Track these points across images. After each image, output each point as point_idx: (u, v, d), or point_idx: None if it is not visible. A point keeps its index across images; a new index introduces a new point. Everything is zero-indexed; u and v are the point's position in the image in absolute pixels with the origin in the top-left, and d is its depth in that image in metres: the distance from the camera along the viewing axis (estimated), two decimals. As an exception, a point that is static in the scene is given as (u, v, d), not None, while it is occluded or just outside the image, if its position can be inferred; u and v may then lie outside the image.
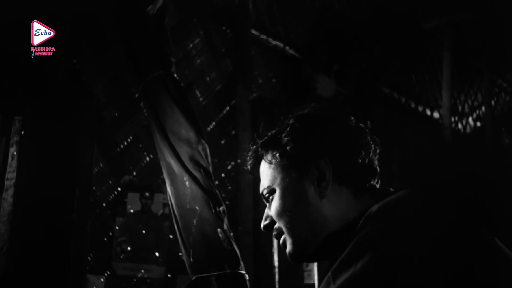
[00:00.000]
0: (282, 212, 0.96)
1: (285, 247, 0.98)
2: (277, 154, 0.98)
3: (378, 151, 0.98)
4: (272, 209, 0.98)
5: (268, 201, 1.01)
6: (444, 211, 0.84)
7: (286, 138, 0.97)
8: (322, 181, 0.94)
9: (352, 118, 0.98)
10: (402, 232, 0.77)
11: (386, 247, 0.76)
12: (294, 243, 0.96)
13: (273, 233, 1.00)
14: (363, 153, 0.95)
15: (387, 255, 0.74)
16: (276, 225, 0.99)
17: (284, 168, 0.97)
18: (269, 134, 1.01)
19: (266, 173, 1.01)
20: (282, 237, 0.98)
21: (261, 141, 1.02)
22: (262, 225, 1.02)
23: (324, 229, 0.93)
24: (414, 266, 0.73)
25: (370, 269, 0.74)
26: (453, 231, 0.80)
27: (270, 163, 0.99)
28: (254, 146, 1.03)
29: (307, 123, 0.98)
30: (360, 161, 0.95)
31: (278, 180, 0.98)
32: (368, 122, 0.99)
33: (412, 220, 0.80)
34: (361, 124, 0.98)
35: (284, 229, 0.97)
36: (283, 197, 0.97)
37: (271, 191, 0.99)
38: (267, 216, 1.00)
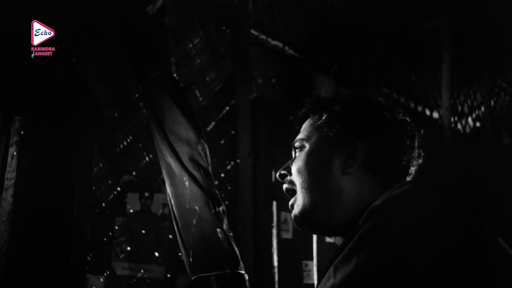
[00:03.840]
0: (303, 169, 0.99)
1: (293, 208, 1.00)
2: (324, 117, 1.01)
3: (420, 161, 1.00)
4: (295, 162, 1.01)
5: (295, 153, 1.04)
6: (450, 206, 0.84)
7: (339, 107, 1.00)
8: (350, 158, 0.96)
9: (409, 120, 1.01)
10: (405, 227, 0.77)
11: (388, 242, 0.75)
12: (302, 206, 0.98)
13: (284, 186, 1.03)
14: (403, 153, 0.97)
15: (389, 250, 0.74)
16: (290, 178, 1.01)
17: (323, 131, 1.00)
18: (328, 98, 1.05)
19: (306, 128, 1.04)
20: (293, 198, 1.01)
21: (318, 100, 1.05)
22: (278, 173, 1.05)
23: (337, 203, 0.95)
24: (416, 262, 0.72)
25: (370, 264, 0.73)
26: (458, 227, 0.79)
27: (315, 121, 1.02)
28: (310, 105, 1.06)
29: (365, 104, 1.01)
30: (397, 160, 0.97)
31: (312, 139, 1.01)
32: (422, 130, 1.02)
33: (417, 215, 0.79)
34: (416, 132, 1.00)
35: (298, 187, 0.99)
36: (309, 156, 0.99)
37: (302, 146, 1.02)
38: (287, 167, 1.03)
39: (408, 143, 0.98)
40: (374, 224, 0.79)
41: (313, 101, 1.06)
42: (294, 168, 1.01)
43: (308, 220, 0.99)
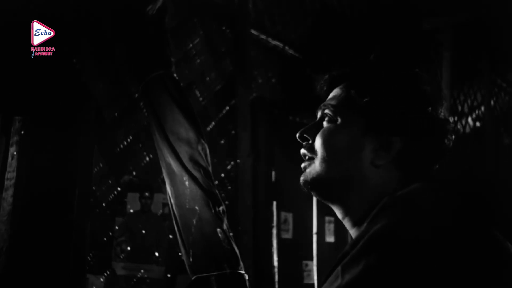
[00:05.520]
0: (330, 143, 0.93)
1: (305, 170, 0.96)
2: (365, 99, 0.92)
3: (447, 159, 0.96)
4: (323, 133, 0.95)
5: (321, 118, 0.97)
6: (460, 209, 0.82)
7: (384, 92, 0.92)
8: (383, 150, 0.90)
9: (452, 121, 0.96)
10: (414, 230, 0.75)
11: (398, 246, 0.74)
12: (317, 175, 0.93)
13: (302, 150, 0.98)
14: (439, 156, 0.93)
15: (398, 254, 0.73)
16: (312, 144, 0.95)
17: (360, 114, 0.92)
18: (373, 71, 0.96)
19: (342, 98, 0.95)
20: (308, 162, 0.96)
21: (361, 72, 0.97)
22: (299, 133, 0.98)
23: (355, 190, 0.91)
24: (424, 267, 0.71)
25: (379, 267, 0.72)
26: (468, 231, 0.78)
27: (353, 96, 0.94)
28: (351, 71, 0.98)
29: (413, 96, 0.93)
30: (431, 162, 0.93)
31: (346, 115, 0.93)
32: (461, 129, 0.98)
33: (426, 217, 0.78)
34: (455, 132, 0.95)
35: (318, 157, 0.94)
36: (339, 132, 0.93)
37: (333, 117, 0.94)
38: (311, 131, 0.97)
39: (446, 144, 0.93)
40: (384, 227, 0.77)
41: (356, 69, 0.98)
42: (319, 139, 0.94)
43: (317, 189, 0.95)
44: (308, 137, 0.98)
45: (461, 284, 0.72)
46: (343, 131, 0.93)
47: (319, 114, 0.99)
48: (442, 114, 0.95)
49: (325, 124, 0.97)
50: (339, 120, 0.94)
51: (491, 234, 0.80)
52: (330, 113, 0.95)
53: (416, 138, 0.91)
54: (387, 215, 0.80)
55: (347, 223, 0.96)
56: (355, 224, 0.94)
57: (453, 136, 0.95)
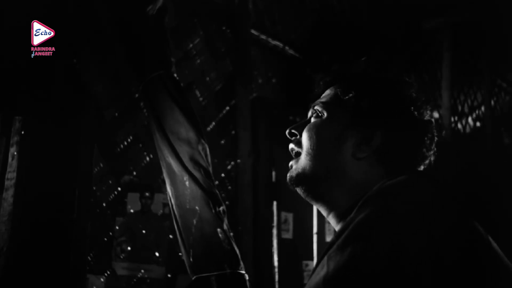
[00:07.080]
0: (314, 136, 0.97)
1: (291, 168, 0.99)
2: (351, 95, 0.97)
3: (431, 161, 0.98)
4: (308, 127, 0.99)
5: (312, 115, 1.01)
6: (443, 199, 0.83)
7: (369, 90, 0.97)
8: (364, 144, 0.94)
9: (433, 120, 0.99)
10: (399, 218, 0.76)
11: (383, 233, 0.74)
12: (302, 170, 0.97)
13: (291, 145, 1.02)
14: (419, 152, 0.96)
15: (384, 241, 0.73)
16: (299, 139, 1.00)
17: (346, 107, 0.97)
18: (361, 72, 1.02)
19: (331, 96, 1.00)
20: (295, 160, 0.99)
21: (350, 72, 1.02)
22: (288, 130, 1.03)
23: (338, 183, 0.94)
24: (409, 253, 0.72)
25: (365, 254, 0.73)
26: (451, 220, 0.79)
27: (340, 93, 0.99)
28: (341, 73, 1.03)
29: (396, 96, 0.98)
30: (411, 157, 0.96)
31: (332, 110, 0.98)
32: (443, 131, 1.02)
33: (411, 206, 0.79)
34: (437, 133, 0.98)
35: (303, 151, 0.97)
36: (324, 125, 0.97)
37: (321, 112, 0.99)
38: (300, 127, 1.01)
39: (427, 143, 0.97)
40: (369, 215, 0.78)
41: (345, 71, 1.03)
42: (305, 132, 0.98)
43: (302, 184, 0.98)
44: (296, 133, 1.02)
45: (444, 272, 0.72)
46: (327, 125, 0.97)
47: (309, 113, 1.03)
48: (428, 117, 0.99)
49: (312, 119, 1.01)
50: (325, 114, 0.98)
51: (472, 225, 0.81)
52: (318, 108, 1.00)
53: (397, 134, 0.95)
54: (371, 204, 0.81)
55: (332, 220, 0.98)
56: (340, 219, 0.96)
57: (436, 138, 0.99)
